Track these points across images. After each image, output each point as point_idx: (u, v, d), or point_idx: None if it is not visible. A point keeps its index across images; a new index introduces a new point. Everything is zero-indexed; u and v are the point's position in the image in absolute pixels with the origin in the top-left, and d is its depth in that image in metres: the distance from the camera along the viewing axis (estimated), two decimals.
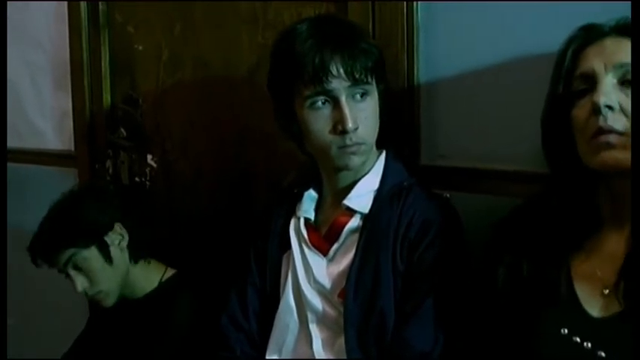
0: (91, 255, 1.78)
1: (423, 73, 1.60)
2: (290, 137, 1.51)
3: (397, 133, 1.60)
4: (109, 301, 1.84)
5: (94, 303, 1.90)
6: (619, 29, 1.25)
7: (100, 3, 2.16)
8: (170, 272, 1.88)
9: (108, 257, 1.79)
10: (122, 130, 2.19)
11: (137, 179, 2.17)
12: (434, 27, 1.59)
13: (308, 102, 1.41)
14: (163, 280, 1.87)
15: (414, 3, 1.59)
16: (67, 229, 1.77)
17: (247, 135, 1.88)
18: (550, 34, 1.32)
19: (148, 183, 2.14)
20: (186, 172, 2.05)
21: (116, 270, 1.81)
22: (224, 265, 1.77)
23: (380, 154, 1.52)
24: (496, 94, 1.52)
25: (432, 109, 1.60)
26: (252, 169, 1.89)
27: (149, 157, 2.13)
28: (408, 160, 1.57)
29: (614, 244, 1.25)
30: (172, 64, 2.04)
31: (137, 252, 1.84)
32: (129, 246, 1.83)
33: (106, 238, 1.79)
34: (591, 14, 1.27)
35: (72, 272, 1.80)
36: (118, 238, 1.80)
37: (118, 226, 1.80)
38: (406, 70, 1.60)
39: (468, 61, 1.55)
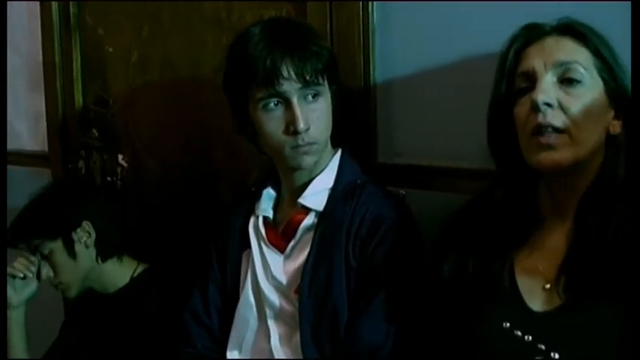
0: (56, 247, 1.84)
1: (379, 73, 1.64)
2: (246, 138, 1.54)
3: (354, 133, 1.63)
4: (71, 292, 1.90)
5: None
6: (560, 29, 1.29)
7: (70, 5, 2.18)
8: (141, 268, 1.92)
9: (72, 252, 1.84)
10: (94, 130, 2.22)
11: (109, 179, 2.19)
12: (389, 28, 1.62)
13: (261, 104, 1.44)
14: (135, 275, 1.90)
15: (370, 4, 1.62)
16: (36, 219, 1.84)
17: (212, 134, 1.91)
18: (501, 33, 1.34)
19: (119, 182, 2.17)
20: (155, 171, 2.08)
21: (79, 265, 1.86)
22: (191, 261, 1.79)
23: (335, 152, 1.55)
24: (449, 93, 1.55)
25: (388, 109, 1.63)
26: (217, 168, 1.92)
27: (120, 156, 2.17)
28: (364, 159, 1.60)
29: (555, 240, 1.28)
30: (141, 66, 2.07)
31: (105, 251, 1.87)
32: (96, 244, 1.87)
33: (73, 234, 1.82)
34: (541, 14, 1.30)
35: (39, 259, 1.86)
36: (84, 236, 1.84)
37: (86, 224, 1.84)
38: (362, 71, 1.63)
39: (422, 61, 1.58)
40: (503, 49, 1.30)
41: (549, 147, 1.21)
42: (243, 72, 1.44)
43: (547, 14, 1.30)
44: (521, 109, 1.25)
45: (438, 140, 1.59)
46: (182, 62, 1.97)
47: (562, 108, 1.22)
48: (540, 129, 1.22)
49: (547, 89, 1.22)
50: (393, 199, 1.51)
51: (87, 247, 1.86)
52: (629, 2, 1.21)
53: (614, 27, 1.25)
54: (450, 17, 1.54)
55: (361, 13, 1.62)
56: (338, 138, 1.56)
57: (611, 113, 1.27)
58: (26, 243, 1.86)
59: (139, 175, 2.13)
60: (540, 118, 1.21)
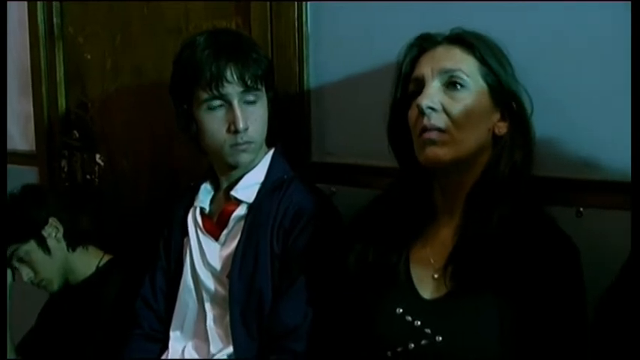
0: (31, 248, 1.99)
1: (313, 79, 1.78)
2: (188, 137, 1.70)
3: (290, 133, 1.77)
4: (53, 287, 2.05)
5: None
6: (450, 39, 1.41)
7: (54, 16, 2.37)
8: (107, 258, 2.08)
9: (46, 248, 2.00)
10: (75, 132, 2.40)
11: (88, 177, 2.37)
12: (321, 39, 1.77)
13: (205, 105, 1.60)
14: (100, 265, 2.06)
15: (304, 17, 1.76)
16: (7, 229, 1.98)
17: (175, 134, 2.06)
18: None
19: (96, 180, 2.35)
20: (127, 170, 2.25)
21: (55, 259, 2.02)
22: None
23: (268, 151, 1.70)
24: (375, 96, 1.66)
25: (321, 112, 1.78)
26: (179, 166, 2.08)
27: (97, 156, 2.34)
28: (298, 158, 1.74)
29: (445, 234, 1.39)
30: (114, 72, 2.24)
31: (73, 241, 2.04)
32: (65, 236, 2.03)
33: (43, 232, 1.99)
34: (458, 22, 1.42)
35: (17, 264, 2.02)
36: (53, 231, 2.01)
37: (52, 220, 2.01)
38: (298, 77, 1.78)
39: (351, 68, 1.72)
40: (399, 57, 1.42)
41: (432, 142, 1.33)
42: (190, 75, 1.59)
43: (465, 22, 1.42)
44: (413, 112, 1.37)
45: (366, 140, 1.71)
46: (149, 69, 2.13)
47: (445, 111, 1.33)
48: (426, 130, 1.34)
49: (432, 94, 1.34)
50: (317, 193, 1.65)
51: (58, 240, 2.02)
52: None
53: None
54: (375, 27, 1.67)
55: (296, 25, 1.76)
56: (273, 138, 1.70)
57: (497, 116, 1.38)
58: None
59: (114, 172, 2.29)
60: (425, 121, 1.33)
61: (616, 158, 1.42)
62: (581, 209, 1.45)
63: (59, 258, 2.02)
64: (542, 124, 1.43)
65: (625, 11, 1.31)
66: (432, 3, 1.57)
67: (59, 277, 2.04)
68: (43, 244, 1.99)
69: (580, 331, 1.27)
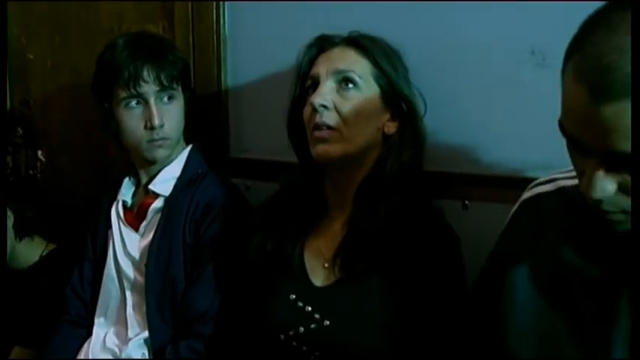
0: None
1: (230, 79, 1.88)
2: (109, 134, 1.79)
3: (209, 131, 1.87)
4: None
5: None
6: (347, 41, 1.50)
7: None
8: (51, 247, 2.17)
9: None
10: (19, 129, 2.48)
11: (31, 172, 2.45)
12: (238, 42, 1.87)
13: (123, 103, 1.70)
14: (44, 254, 2.15)
15: (222, 18, 1.86)
16: None
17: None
18: None
19: (39, 175, 2.43)
20: (67, 165, 2.33)
21: None
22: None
23: (186, 147, 1.79)
24: (288, 96, 1.78)
25: (238, 111, 1.88)
26: (112, 161, 2.17)
27: (39, 152, 2.42)
28: (216, 154, 1.84)
29: (336, 226, 1.48)
30: (54, 71, 2.32)
31: (21, 230, 2.13)
32: (14, 226, 2.12)
33: None
34: (373, 24, 1.52)
35: None
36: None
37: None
38: (217, 78, 1.88)
39: (266, 67, 1.82)
40: (299, 57, 1.51)
41: (323, 140, 1.42)
42: (110, 75, 1.69)
43: (373, 25, 1.52)
44: (307, 109, 1.47)
45: (279, 138, 1.78)
46: (86, 69, 2.20)
47: (337, 109, 1.42)
48: (317, 127, 1.44)
49: (324, 93, 1.43)
50: (228, 187, 1.75)
51: (8, 230, 2.11)
52: None
53: None
54: (289, 30, 1.77)
55: (215, 27, 1.86)
56: (192, 135, 1.80)
57: (387, 116, 1.48)
58: None
59: (54, 168, 2.38)
60: (317, 118, 1.42)
61: (499, 155, 1.53)
62: (467, 202, 1.55)
63: (8, 247, 2.11)
64: (434, 122, 1.53)
65: (518, 11, 1.43)
66: (346, 4, 1.66)
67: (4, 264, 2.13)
68: None
69: (458, 311, 1.35)
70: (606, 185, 0.93)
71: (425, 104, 1.53)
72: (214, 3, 1.86)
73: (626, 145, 0.89)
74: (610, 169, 0.93)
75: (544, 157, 1.41)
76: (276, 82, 1.80)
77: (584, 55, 0.91)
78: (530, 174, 1.41)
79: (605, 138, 0.89)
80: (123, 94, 1.68)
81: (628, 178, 0.93)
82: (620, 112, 0.87)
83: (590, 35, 0.91)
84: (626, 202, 0.95)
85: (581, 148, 0.95)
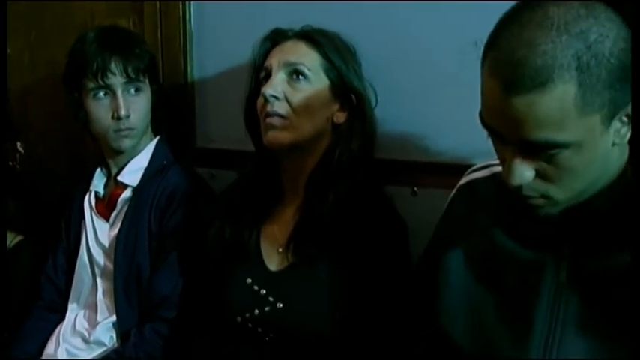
0: None
1: (196, 72, 1.95)
2: (79, 124, 1.86)
3: (176, 122, 1.94)
4: None
5: None
6: (299, 34, 1.57)
7: None
8: (18, 239, 2.22)
9: None
10: None
11: (10, 163, 2.52)
12: (204, 35, 1.94)
13: (92, 93, 1.77)
14: (11, 245, 2.21)
15: (187, 15, 1.93)
16: None
17: None
18: None
19: (18, 166, 2.50)
20: (45, 157, 2.40)
21: None
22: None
23: (153, 139, 1.86)
24: None
25: (204, 103, 1.95)
26: (87, 152, 2.23)
27: (18, 144, 2.49)
28: (184, 145, 1.91)
29: (290, 212, 1.55)
30: (32, 66, 2.39)
31: None
32: None
33: None
34: (335, 21, 1.59)
35: None
36: None
37: None
38: (183, 71, 1.94)
39: (230, 61, 1.89)
40: (254, 50, 1.58)
41: (273, 127, 1.49)
42: (79, 66, 1.77)
43: (335, 21, 1.59)
44: (260, 99, 1.53)
45: (243, 128, 1.84)
46: (61, 63, 2.27)
47: (287, 99, 1.49)
48: (269, 115, 1.50)
49: (275, 84, 1.50)
50: (192, 176, 1.82)
51: None
52: None
53: None
54: (251, 25, 1.80)
55: (181, 23, 1.93)
56: (159, 127, 1.87)
57: (336, 106, 1.54)
58: None
59: (33, 160, 2.45)
60: (269, 107, 1.49)
61: (447, 143, 1.60)
62: (416, 189, 1.62)
63: None
64: (385, 113, 1.60)
65: (462, 5, 1.49)
66: (303, 3, 1.73)
67: None
68: None
69: (402, 295, 1.42)
70: (524, 172, 1.01)
71: (376, 96, 1.59)
72: (180, 2, 1.93)
73: (537, 134, 0.96)
74: (526, 157, 1.00)
75: (489, 144, 1.46)
76: (239, 75, 1.82)
77: (497, 50, 0.98)
78: (476, 161, 1.44)
79: (518, 128, 0.97)
80: (91, 84, 1.75)
81: (544, 165, 1.00)
82: (530, 104, 0.94)
83: (504, 32, 0.98)
84: (544, 187, 1.02)
85: (499, 138, 1.02)
